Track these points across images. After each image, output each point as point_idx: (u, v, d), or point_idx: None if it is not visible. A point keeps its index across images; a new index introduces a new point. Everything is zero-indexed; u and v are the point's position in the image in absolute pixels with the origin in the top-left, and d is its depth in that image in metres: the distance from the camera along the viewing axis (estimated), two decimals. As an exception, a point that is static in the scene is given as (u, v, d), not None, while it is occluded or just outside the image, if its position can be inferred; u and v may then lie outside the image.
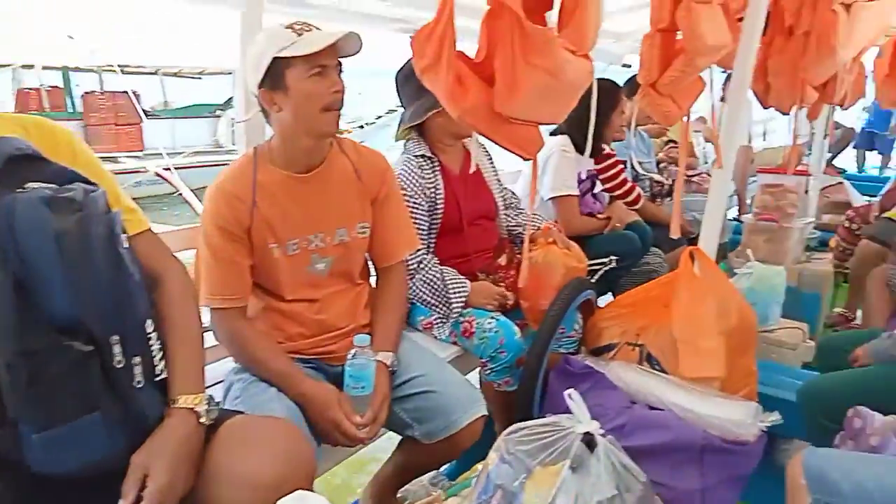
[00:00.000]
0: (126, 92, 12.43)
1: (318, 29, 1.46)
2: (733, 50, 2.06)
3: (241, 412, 1.31)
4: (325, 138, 1.59)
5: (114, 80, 12.42)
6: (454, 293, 2.08)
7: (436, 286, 2.07)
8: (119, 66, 11.74)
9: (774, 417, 1.78)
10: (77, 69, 12.42)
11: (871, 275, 2.94)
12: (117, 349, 1.01)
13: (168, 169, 9.27)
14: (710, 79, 2.13)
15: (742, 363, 2.05)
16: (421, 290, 2.07)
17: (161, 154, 9.69)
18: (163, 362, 1.14)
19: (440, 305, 2.09)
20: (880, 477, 1.23)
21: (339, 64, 1.49)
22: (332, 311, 1.69)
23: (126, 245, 1.08)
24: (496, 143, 1.40)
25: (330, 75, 1.46)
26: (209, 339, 1.84)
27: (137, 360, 1.06)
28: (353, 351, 1.50)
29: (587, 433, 1.27)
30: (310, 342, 1.68)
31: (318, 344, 1.68)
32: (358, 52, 1.47)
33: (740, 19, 2.09)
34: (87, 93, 12.61)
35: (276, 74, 1.45)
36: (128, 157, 12.01)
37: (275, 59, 1.42)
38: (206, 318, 1.52)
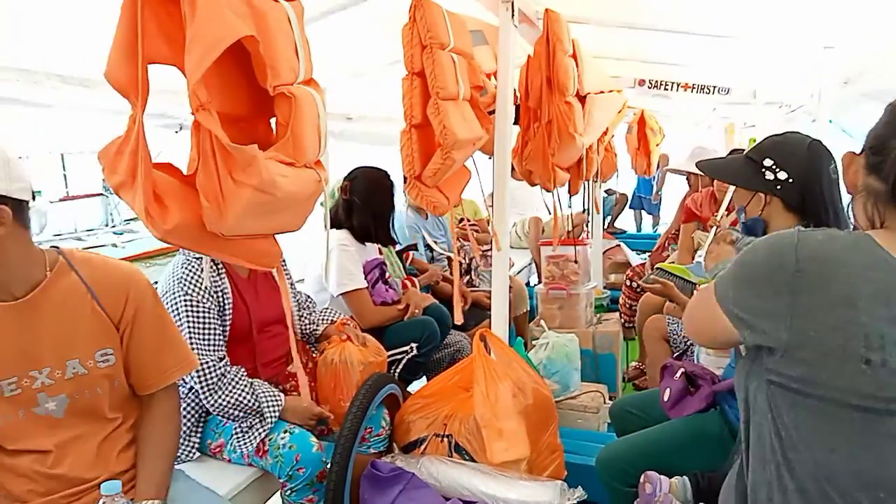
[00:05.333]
0: None
1: None
2: (493, 137, 2.19)
3: None
4: None
5: None
6: (268, 406, 1.90)
7: (244, 400, 1.87)
8: None
9: (579, 494, 1.80)
10: None
11: (645, 328, 3.21)
12: None
13: None
14: (476, 166, 2.24)
15: (545, 440, 2.08)
16: (226, 405, 1.85)
17: None
18: None
19: (252, 419, 1.90)
20: None
21: None
22: (72, 461, 1.42)
23: None
24: (223, 260, 1.29)
25: None
26: None
27: None
28: (101, 502, 1.26)
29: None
30: (44, 501, 1.39)
31: (56, 503, 1.40)
32: None
33: (493, 112, 2.24)
34: None
35: None
36: None
37: None
38: None
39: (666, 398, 1.93)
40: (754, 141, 2.94)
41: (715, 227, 2.71)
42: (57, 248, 1.46)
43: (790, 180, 1.61)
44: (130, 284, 1.49)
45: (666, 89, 4.18)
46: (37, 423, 1.39)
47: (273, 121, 1.26)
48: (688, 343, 2.61)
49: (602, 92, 3.12)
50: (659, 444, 1.86)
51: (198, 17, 0.99)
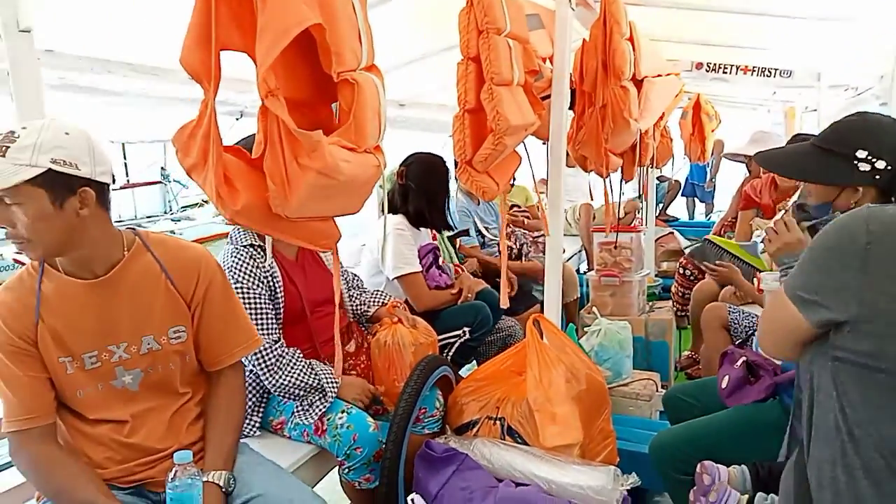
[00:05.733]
0: None
1: None
2: (547, 122, 2.18)
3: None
4: (48, 258, 1.43)
5: None
6: (328, 382, 1.95)
7: (304, 379, 1.92)
8: None
9: (633, 480, 1.79)
10: None
11: (703, 315, 3.15)
12: None
13: None
14: (527, 151, 2.24)
15: (598, 426, 2.07)
16: (286, 385, 1.91)
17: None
18: None
19: (313, 396, 1.95)
20: None
21: (5, 198, 1.29)
22: (146, 431, 1.50)
23: None
24: (284, 240, 1.33)
25: None
26: (8, 482, 1.64)
27: None
28: (173, 470, 1.33)
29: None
30: (121, 469, 1.47)
31: (132, 471, 1.48)
32: (10, 186, 1.26)
33: (548, 97, 2.23)
34: None
35: None
36: None
37: None
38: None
39: (724, 386, 1.90)
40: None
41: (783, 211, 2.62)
42: (133, 229, 1.54)
43: (889, 168, 1.47)
44: (201, 265, 1.56)
45: (725, 72, 4.06)
46: (114, 395, 1.48)
47: (334, 106, 1.29)
48: (748, 332, 2.56)
49: (659, 76, 3.05)
50: (715, 433, 1.84)
51: (269, 5, 1.02)
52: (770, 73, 4.04)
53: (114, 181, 1.41)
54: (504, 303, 2.19)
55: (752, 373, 1.84)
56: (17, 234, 1.32)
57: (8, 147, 1.26)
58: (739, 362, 1.86)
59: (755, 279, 2.76)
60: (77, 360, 1.43)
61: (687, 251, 3.82)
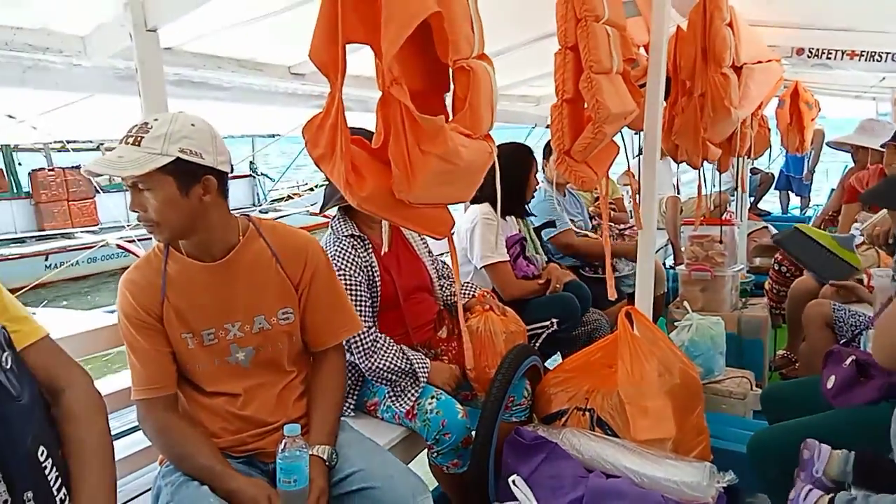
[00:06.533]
0: (79, 167, 12.13)
1: (131, 143, 1.37)
2: (642, 112, 2.14)
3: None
4: (173, 241, 1.52)
5: (57, 156, 12.19)
6: (420, 367, 2.01)
7: (397, 363, 1.99)
8: (67, 142, 11.55)
9: (730, 477, 1.75)
10: (17, 148, 11.96)
11: (805, 313, 3.00)
12: (0, 488, 0.94)
13: (132, 240, 9.04)
14: (624, 141, 2.21)
15: (691, 421, 2.03)
16: (380, 369, 1.99)
17: (122, 226, 9.48)
18: (64, 489, 1.06)
19: (405, 381, 2.01)
20: None
21: (139, 184, 1.39)
22: (257, 405, 1.59)
23: (9, 364, 1.00)
24: (403, 227, 1.38)
25: (132, 195, 1.43)
26: (137, 442, 1.78)
27: (29, 494, 0.98)
28: (283, 442, 1.41)
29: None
30: (235, 439, 1.57)
31: (244, 441, 1.58)
32: (135, 171, 1.35)
33: (643, 85, 2.19)
34: (35, 170, 12.19)
35: None
36: (84, 231, 11.66)
37: None
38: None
39: (829, 386, 1.82)
40: None
41: None
42: (247, 216, 1.64)
43: None
44: (308, 251, 1.65)
45: (828, 58, 3.83)
46: (229, 370, 1.58)
47: (446, 95, 1.33)
48: (855, 331, 2.42)
49: (759, 62, 2.93)
50: (820, 433, 1.75)
51: (392, -4, 1.06)
52: (881, 57, 3.77)
53: (232, 170, 1.51)
54: (612, 294, 2.18)
55: (862, 372, 1.75)
56: (147, 217, 1.43)
57: (143, 137, 1.37)
58: (848, 361, 1.78)
59: (864, 275, 2.62)
60: (197, 336, 1.53)
61: (772, 238, 3.64)
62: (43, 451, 1.02)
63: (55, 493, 1.03)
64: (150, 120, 1.40)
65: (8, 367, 0.99)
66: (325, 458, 1.52)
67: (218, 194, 1.48)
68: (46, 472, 1.02)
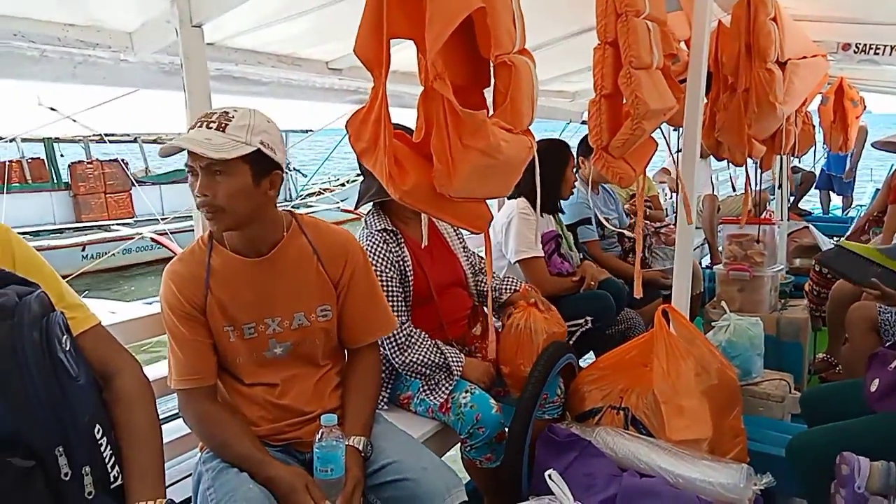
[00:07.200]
0: (116, 160, 12.44)
1: (215, 128, 1.39)
2: (682, 108, 2.11)
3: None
4: (224, 232, 1.54)
5: (96, 148, 12.51)
6: (454, 361, 2.03)
7: (431, 357, 2.01)
8: (105, 134, 11.84)
9: (767, 480, 1.72)
10: (58, 140, 12.34)
11: (849, 315, 2.92)
12: (62, 461, 0.99)
13: (164, 233, 9.25)
14: (665, 136, 2.18)
15: (728, 423, 2.00)
16: (414, 363, 2.00)
17: (156, 219, 9.71)
18: (117, 468, 1.11)
19: (439, 375, 2.02)
20: None
21: (216, 168, 1.40)
22: (294, 394, 1.62)
23: (68, 347, 1.04)
24: (442, 221, 1.39)
25: (197, 178, 1.43)
26: (177, 430, 1.81)
27: (87, 469, 1.03)
28: (320, 431, 1.43)
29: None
30: (273, 427, 1.60)
31: (282, 430, 1.61)
32: (224, 155, 1.36)
33: (683, 80, 2.16)
34: (74, 162, 12.56)
35: None
36: (120, 224, 11.98)
37: None
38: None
39: (873, 389, 1.78)
40: None
41: None
42: (290, 211, 1.66)
43: None
44: (348, 250, 1.66)
45: (876, 53, 3.70)
46: (266, 364, 1.61)
47: (486, 91, 1.33)
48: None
49: (804, 57, 2.86)
50: (861, 437, 1.71)
51: (438, -8, 1.07)
52: (933, 52, 3.64)
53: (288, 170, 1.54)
54: (637, 292, 2.16)
55: (909, 376, 1.70)
56: (212, 203, 1.42)
57: (227, 124, 1.39)
58: (894, 364, 1.73)
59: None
60: (238, 329, 1.56)
61: (816, 259, 3.54)
62: (99, 430, 1.06)
63: (109, 469, 1.08)
64: (229, 110, 1.42)
65: (67, 349, 1.03)
66: (360, 448, 1.54)
67: (277, 191, 1.52)
68: (102, 449, 1.07)
